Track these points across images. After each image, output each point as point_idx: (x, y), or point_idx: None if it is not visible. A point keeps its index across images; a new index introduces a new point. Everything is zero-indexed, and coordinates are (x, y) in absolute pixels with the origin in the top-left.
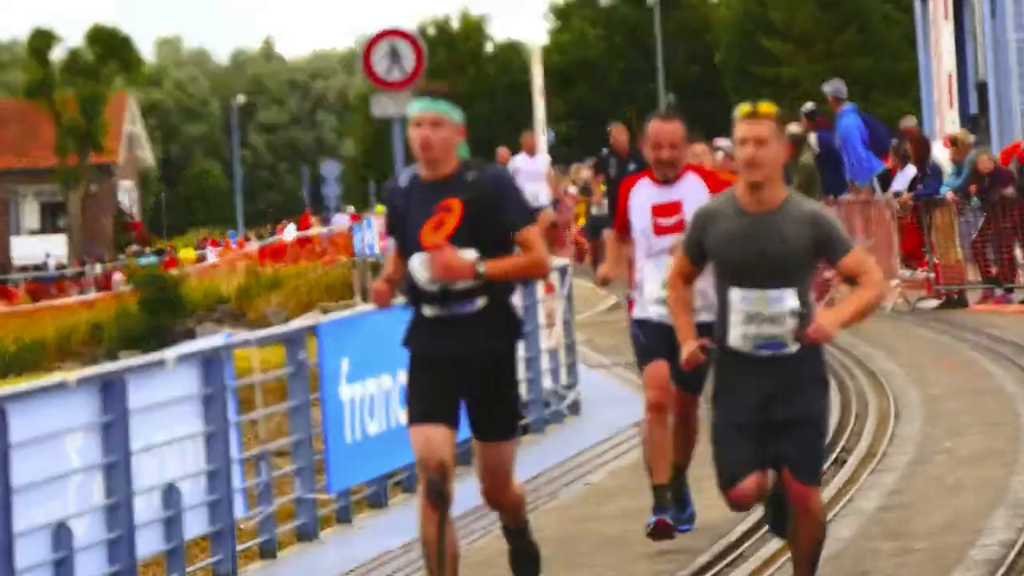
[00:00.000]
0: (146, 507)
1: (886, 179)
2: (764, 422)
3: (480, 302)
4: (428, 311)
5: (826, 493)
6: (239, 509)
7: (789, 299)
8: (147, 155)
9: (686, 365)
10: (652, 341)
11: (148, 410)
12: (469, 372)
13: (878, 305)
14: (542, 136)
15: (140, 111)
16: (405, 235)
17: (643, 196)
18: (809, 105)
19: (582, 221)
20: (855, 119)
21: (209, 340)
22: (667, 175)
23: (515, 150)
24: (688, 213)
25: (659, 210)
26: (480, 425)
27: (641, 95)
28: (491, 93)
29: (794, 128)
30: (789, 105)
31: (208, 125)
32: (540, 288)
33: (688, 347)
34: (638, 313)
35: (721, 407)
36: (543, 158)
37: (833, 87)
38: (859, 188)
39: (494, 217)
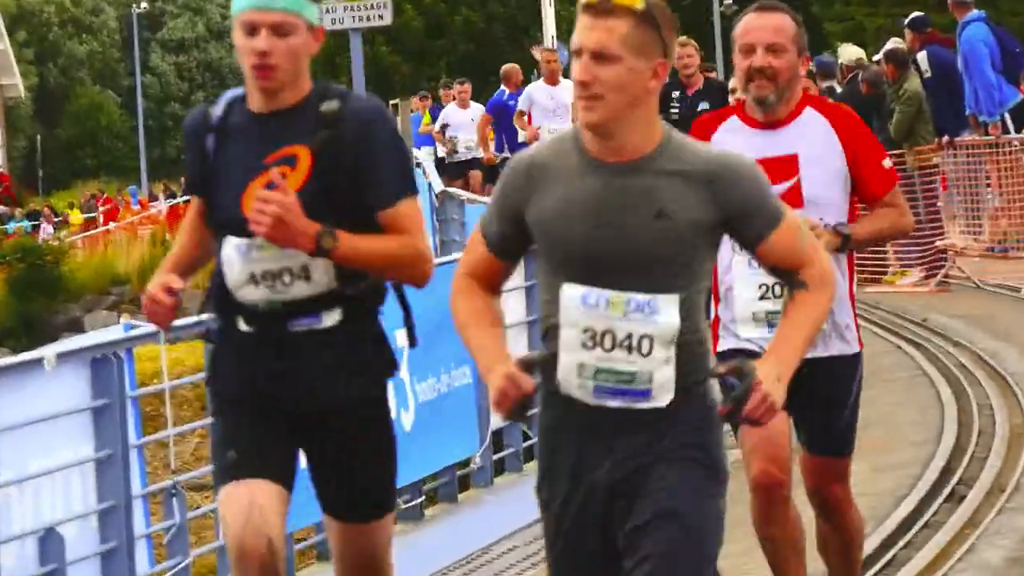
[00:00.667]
0: (16, 559)
1: (1022, 113)
2: (609, 535)
3: (330, 317)
4: (247, 328)
5: (939, 537)
6: (142, 563)
7: (665, 312)
8: (15, 83)
9: (496, 406)
10: None
11: (18, 428)
12: (315, 426)
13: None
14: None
15: (4, 22)
16: (215, 202)
17: (731, 148)
18: (915, 13)
19: None
20: (984, 31)
21: (102, 333)
22: (771, 109)
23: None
24: (808, 175)
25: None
26: (334, 500)
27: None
28: None
29: (894, 43)
30: (890, 12)
31: (98, 42)
32: None
33: (497, 378)
34: (727, 342)
35: (543, 506)
36: (563, 90)
37: None
38: (986, 125)
39: (355, 179)
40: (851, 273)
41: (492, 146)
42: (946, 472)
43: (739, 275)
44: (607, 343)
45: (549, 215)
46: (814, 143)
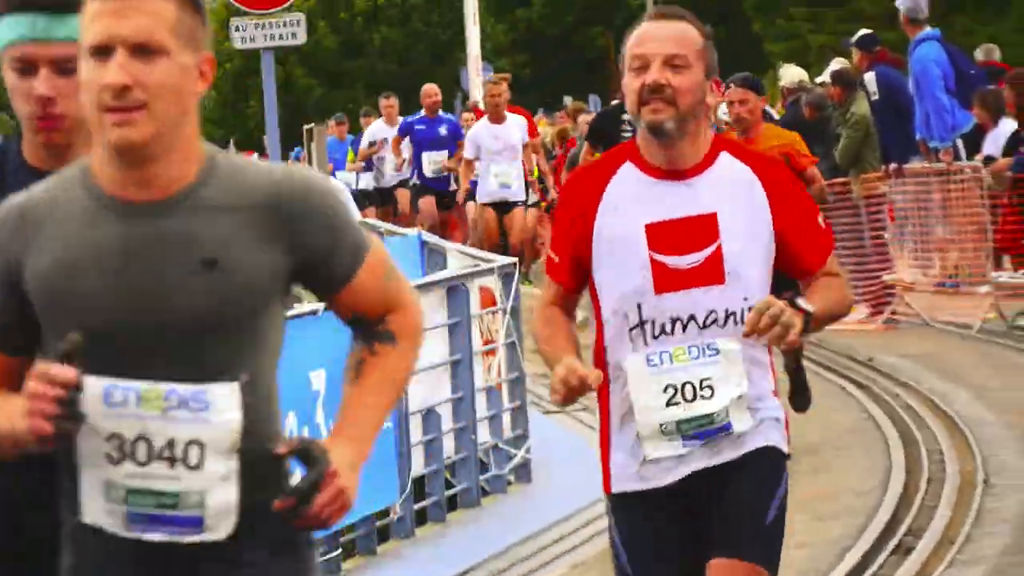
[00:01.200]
0: None
1: (974, 139)
2: None
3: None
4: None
5: None
6: None
7: (221, 407)
8: None
9: None
10: (655, 557)
11: None
12: None
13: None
14: (477, 78)
15: None
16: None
17: (629, 206)
18: (863, 31)
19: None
20: (937, 51)
21: None
22: (671, 143)
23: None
24: (731, 241)
25: (661, 233)
26: None
27: (621, 17)
28: (404, 15)
29: (839, 64)
30: (835, 30)
31: None
32: (474, 300)
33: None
34: (622, 482)
35: None
36: (512, 128)
37: (909, 3)
38: (937, 151)
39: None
40: (771, 357)
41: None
42: (893, 522)
43: (637, 380)
44: (141, 454)
45: (50, 277)
46: (736, 199)
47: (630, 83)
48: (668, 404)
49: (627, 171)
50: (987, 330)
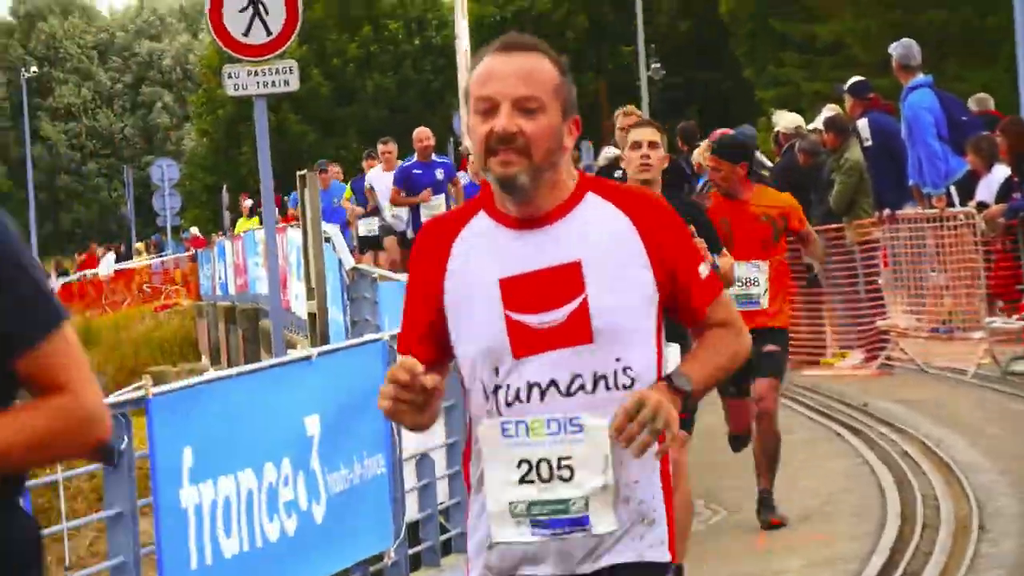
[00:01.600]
0: None
1: (968, 186)
2: None
3: None
4: None
5: None
6: None
7: None
8: None
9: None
10: None
11: None
12: None
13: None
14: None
15: None
16: None
17: (481, 259)
18: (856, 78)
19: None
20: (930, 98)
21: None
22: (525, 197)
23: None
24: (599, 293)
25: (518, 289)
26: None
27: (612, 64)
28: (396, 61)
29: (832, 111)
30: (828, 76)
31: None
32: None
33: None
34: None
35: None
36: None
37: (902, 49)
38: (930, 197)
39: None
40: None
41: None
42: (888, 567)
43: (491, 450)
44: None
45: None
46: (604, 244)
47: (475, 128)
48: (521, 481)
49: (480, 221)
50: (981, 375)
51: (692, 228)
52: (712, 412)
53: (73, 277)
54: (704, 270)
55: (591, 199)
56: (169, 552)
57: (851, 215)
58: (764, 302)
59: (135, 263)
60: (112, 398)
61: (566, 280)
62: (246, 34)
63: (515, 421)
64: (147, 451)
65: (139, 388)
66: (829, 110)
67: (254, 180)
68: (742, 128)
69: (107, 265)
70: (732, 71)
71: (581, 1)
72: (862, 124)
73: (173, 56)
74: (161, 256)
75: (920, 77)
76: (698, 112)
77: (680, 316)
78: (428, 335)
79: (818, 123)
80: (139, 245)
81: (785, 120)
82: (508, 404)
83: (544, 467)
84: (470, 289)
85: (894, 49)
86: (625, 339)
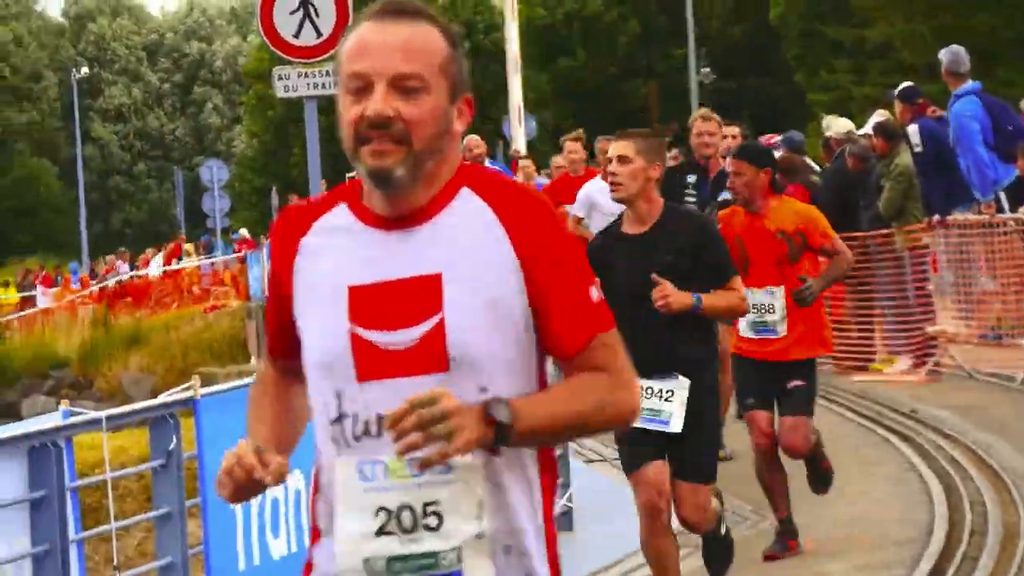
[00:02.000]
0: None
1: (1017, 192)
2: None
3: None
4: None
5: None
6: None
7: None
8: None
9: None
10: None
11: None
12: None
13: None
14: (519, 128)
15: None
16: None
17: (332, 260)
18: (906, 84)
19: None
20: (975, 107)
21: (40, 420)
22: (400, 192)
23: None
24: (457, 313)
25: (367, 300)
26: None
27: (663, 67)
28: None
29: (882, 116)
30: (877, 81)
31: (38, 111)
32: None
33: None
34: None
35: None
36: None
37: (951, 56)
38: (979, 204)
39: None
40: (548, 476)
41: None
42: (935, 573)
43: (345, 494)
44: None
45: None
46: (470, 253)
47: (346, 112)
48: (380, 532)
49: (337, 215)
50: None
51: (705, 249)
52: None
53: (123, 276)
54: (595, 294)
55: (465, 196)
56: (217, 552)
57: (901, 221)
58: (781, 329)
59: (184, 264)
60: (161, 399)
61: (423, 295)
62: (296, 36)
63: (371, 462)
64: (195, 451)
65: (188, 389)
66: (879, 115)
67: (304, 182)
68: (790, 134)
69: (156, 266)
70: (783, 75)
71: (632, 4)
72: (912, 130)
73: (223, 58)
74: (210, 257)
75: (968, 84)
76: (749, 117)
77: (546, 346)
78: (289, 337)
79: (868, 128)
80: (188, 246)
81: (836, 125)
82: (355, 438)
83: (407, 515)
84: (316, 292)
85: (943, 55)
86: (490, 368)
